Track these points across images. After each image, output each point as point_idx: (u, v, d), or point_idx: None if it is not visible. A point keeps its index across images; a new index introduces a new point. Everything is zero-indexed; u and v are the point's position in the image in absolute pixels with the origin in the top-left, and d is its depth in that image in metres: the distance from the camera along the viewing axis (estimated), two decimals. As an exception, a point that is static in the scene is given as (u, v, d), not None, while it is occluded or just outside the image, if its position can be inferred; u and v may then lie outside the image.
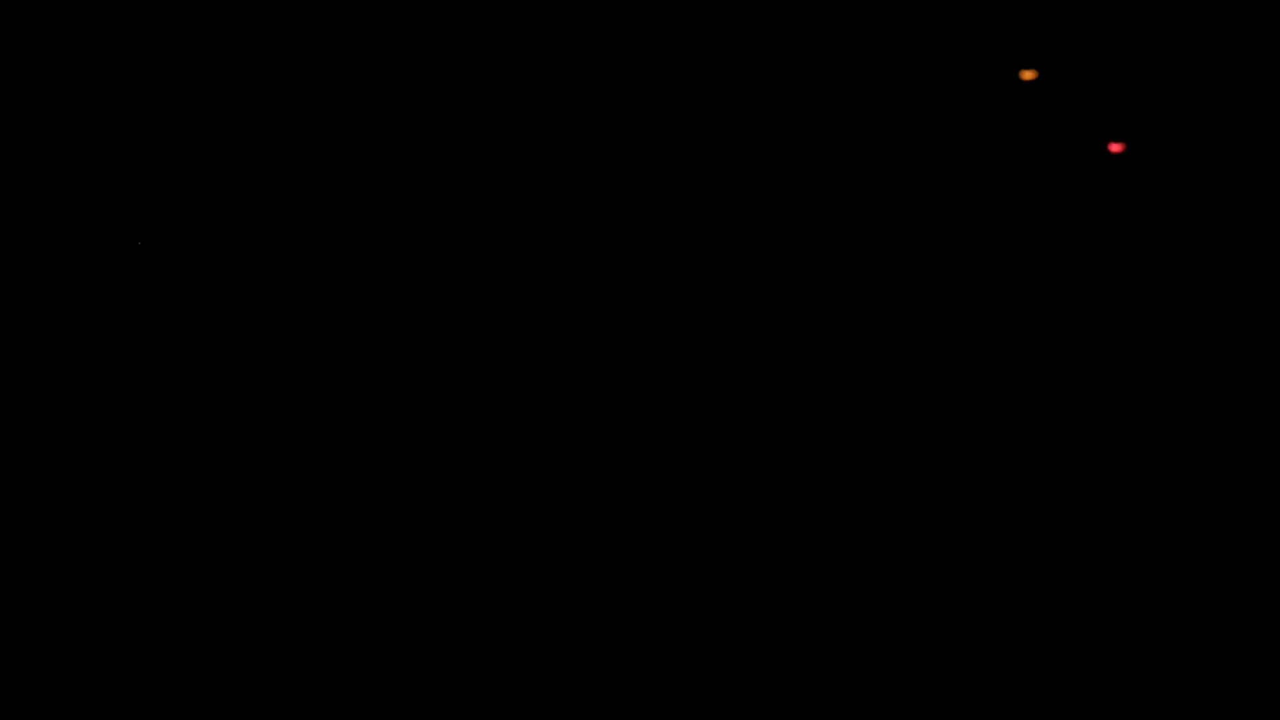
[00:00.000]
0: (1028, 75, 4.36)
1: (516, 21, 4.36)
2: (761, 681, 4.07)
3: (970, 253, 4.36)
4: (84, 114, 4.27)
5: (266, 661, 4.05)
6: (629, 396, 4.28)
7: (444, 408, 4.25)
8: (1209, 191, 4.36)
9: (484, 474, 4.22)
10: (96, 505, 4.13)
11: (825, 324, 4.33)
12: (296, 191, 4.29)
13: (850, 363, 4.31)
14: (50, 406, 4.17)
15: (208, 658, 4.04)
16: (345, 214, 4.29)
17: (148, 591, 4.09)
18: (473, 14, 4.35)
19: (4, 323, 4.19)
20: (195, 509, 4.15)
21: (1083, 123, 4.38)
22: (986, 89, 4.38)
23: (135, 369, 4.21)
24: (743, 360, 4.31)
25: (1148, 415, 4.27)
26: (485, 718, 4.03)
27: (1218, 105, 4.37)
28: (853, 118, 4.40)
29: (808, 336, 4.32)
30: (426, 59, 4.35)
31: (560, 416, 4.26)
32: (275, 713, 4.02)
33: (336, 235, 4.29)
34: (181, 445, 4.18)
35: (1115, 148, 4.34)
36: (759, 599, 4.15)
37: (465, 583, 4.15)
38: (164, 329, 4.22)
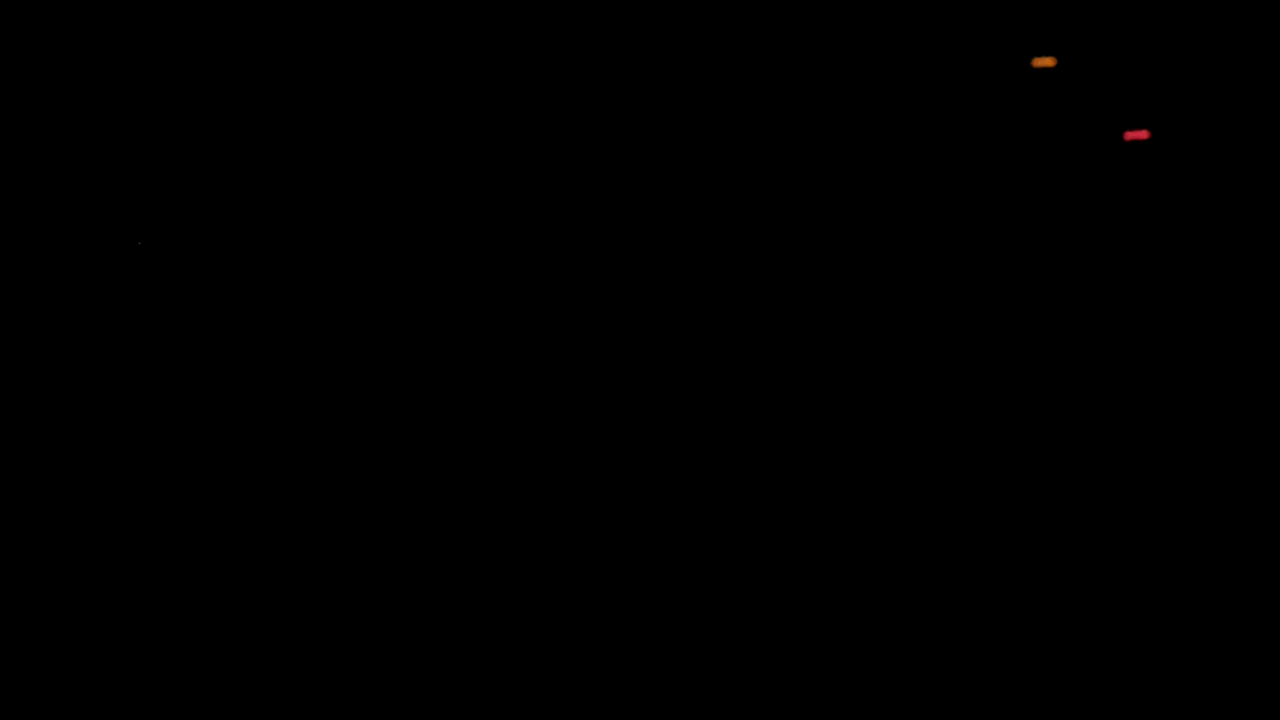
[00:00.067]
0: (1044, 62, 4.33)
1: (516, 22, 4.35)
2: (761, 681, 4.07)
3: (987, 241, 4.34)
4: (84, 114, 4.28)
5: (266, 661, 4.06)
6: (629, 396, 4.27)
7: (444, 407, 4.25)
8: (1228, 181, 4.32)
9: (484, 473, 4.22)
10: (96, 503, 4.15)
11: (840, 314, 4.31)
12: (296, 192, 4.30)
13: (866, 352, 4.29)
14: (50, 405, 4.18)
15: (208, 658, 4.06)
16: (345, 214, 4.29)
17: (147, 591, 4.10)
18: (472, 14, 4.35)
19: (4, 323, 4.20)
20: (195, 508, 4.16)
21: (1100, 110, 4.35)
22: (1002, 77, 4.35)
23: (135, 369, 4.21)
24: (751, 356, 4.30)
25: (1168, 408, 4.24)
26: (485, 718, 4.04)
27: (1233, 95, 4.33)
28: (868, 107, 4.37)
29: (822, 328, 4.30)
30: (427, 59, 4.34)
31: (560, 416, 4.26)
32: (275, 713, 4.03)
33: (336, 235, 4.29)
34: (181, 444, 4.19)
35: (1135, 135, 4.31)
36: (759, 598, 4.14)
37: (465, 582, 4.15)
38: (164, 329, 4.23)
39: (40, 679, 4.02)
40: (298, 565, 4.14)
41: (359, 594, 4.12)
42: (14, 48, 4.26)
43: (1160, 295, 4.32)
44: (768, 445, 4.26)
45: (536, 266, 4.33)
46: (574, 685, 4.06)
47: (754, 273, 4.34)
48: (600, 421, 4.26)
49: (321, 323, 4.27)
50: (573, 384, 4.28)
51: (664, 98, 4.38)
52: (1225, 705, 3.96)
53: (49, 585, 4.09)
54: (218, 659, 4.05)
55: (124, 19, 4.29)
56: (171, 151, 4.29)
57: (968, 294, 4.33)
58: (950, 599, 4.13)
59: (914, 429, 4.26)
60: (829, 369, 4.30)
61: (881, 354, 4.30)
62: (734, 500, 4.22)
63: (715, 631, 4.11)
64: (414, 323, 4.28)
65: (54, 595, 4.08)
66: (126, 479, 4.16)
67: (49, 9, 4.27)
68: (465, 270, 4.31)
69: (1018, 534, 4.19)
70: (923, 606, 4.12)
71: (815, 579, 4.16)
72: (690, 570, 4.17)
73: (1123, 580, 4.13)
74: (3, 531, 4.11)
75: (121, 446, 4.18)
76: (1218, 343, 4.28)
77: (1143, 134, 4.27)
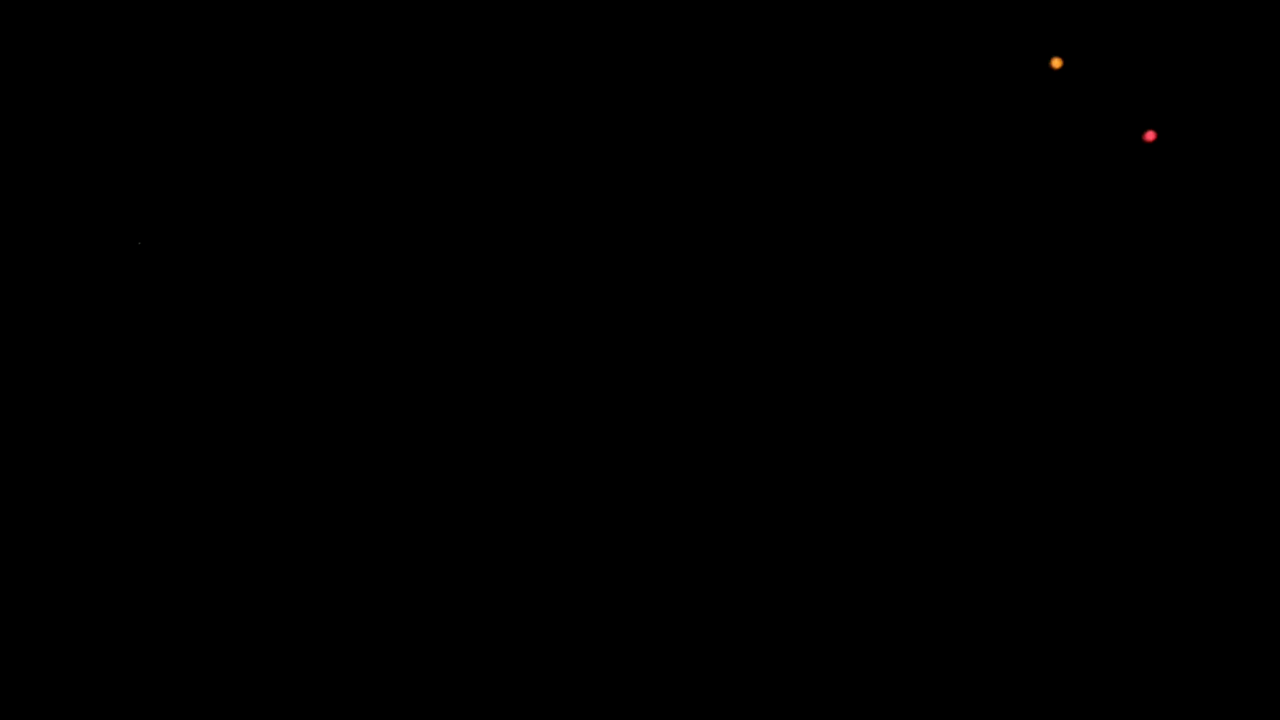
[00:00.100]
0: (1055, 63, 4.33)
1: (516, 22, 4.35)
2: (761, 681, 4.07)
3: (995, 245, 4.33)
4: (84, 114, 4.28)
5: (266, 661, 4.06)
6: (629, 396, 4.27)
7: (444, 407, 4.25)
8: (1242, 185, 4.31)
9: (483, 474, 4.22)
10: (96, 505, 4.15)
11: (845, 317, 4.31)
12: (296, 191, 4.29)
13: (872, 356, 4.29)
14: (50, 406, 4.18)
15: (207, 658, 4.05)
16: (345, 214, 4.29)
17: (147, 591, 4.10)
18: (472, 14, 4.34)
19: (4, 323, 4.20)
20: (195, 509, 4.16)
21: (1114, 112, 4.34)
22: (1013, 78, 4.35)
23: (135, 369, 4.21)
24: (758, 357, 4.30)
25: (1179, 414, 4.24)
26: (485, 718, 4.04)
27: (1250, 96, 4.32)
28: (873, 108, 4.37)
29: (827, 331, 4.30)
30: (426, 59, 4.34)
31: (560, 416, 4.26)
32: (275, 713, 4.03)
33: (337, 235, 4.29)
34: (181, 445, 4.19)
35: (1148, 136, 4.31)
36: (759, 599, 4.14)
37: (465, 582, 4.15)
38: (164, 329, 4.23)
39: (40, 679, 4.02)
40: (298, 565, 4.14)
41: (359, 594, 4.12)
42: (14, 48, 4.26)
43: (1162, 295, 4.32)
44: (768, 445, 4.25)
45: (536, 266, 4.33)
46: (574, 685, 4.06)
47: (756, 272, 4.33)
48: (600, 421, 4.26)
49: (322, 322, 4.26)
50: (573, 384, 4.28)
51: (664, 97, 4.38)
52: (1225, 705, 3.96)
53: (49, 585, 4.09)
54: (218, 659, 4.05)
55: (124, 19, 4.29)
56: (171, 151, 4.29)
57: (974, 293, 4.33)
58: (950, 599, 4.13)
59: (919, 428, 4.26)
60: (832, 368, 4.30)
61: (886, 354, 4.30)
62: (734, 500, 4.22)
63: (715, 631, 4.11)
64: (414, 323, 4.28)
65: (54, 595, 4.08)
66: (127, 479, 4.16)
67: (49, 9, 4.27)
68: (465, 270, 4.31)
69: (1018, 534, 4.19)
70: (923, 606, 4.12)
71: (815, 579, 4.16)
72: (690, 570, 4.17)
73: (1123, 580, 4.13)
74: (2, 531, 4.11)
75: (122, 446, 4.18)
76: (1219, 343, 4.28)
77: (1150, 135, 4.26)
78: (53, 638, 4.05)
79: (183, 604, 4.09)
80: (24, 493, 4.12)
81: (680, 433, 4.23)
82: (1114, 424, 4.23)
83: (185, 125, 4.29)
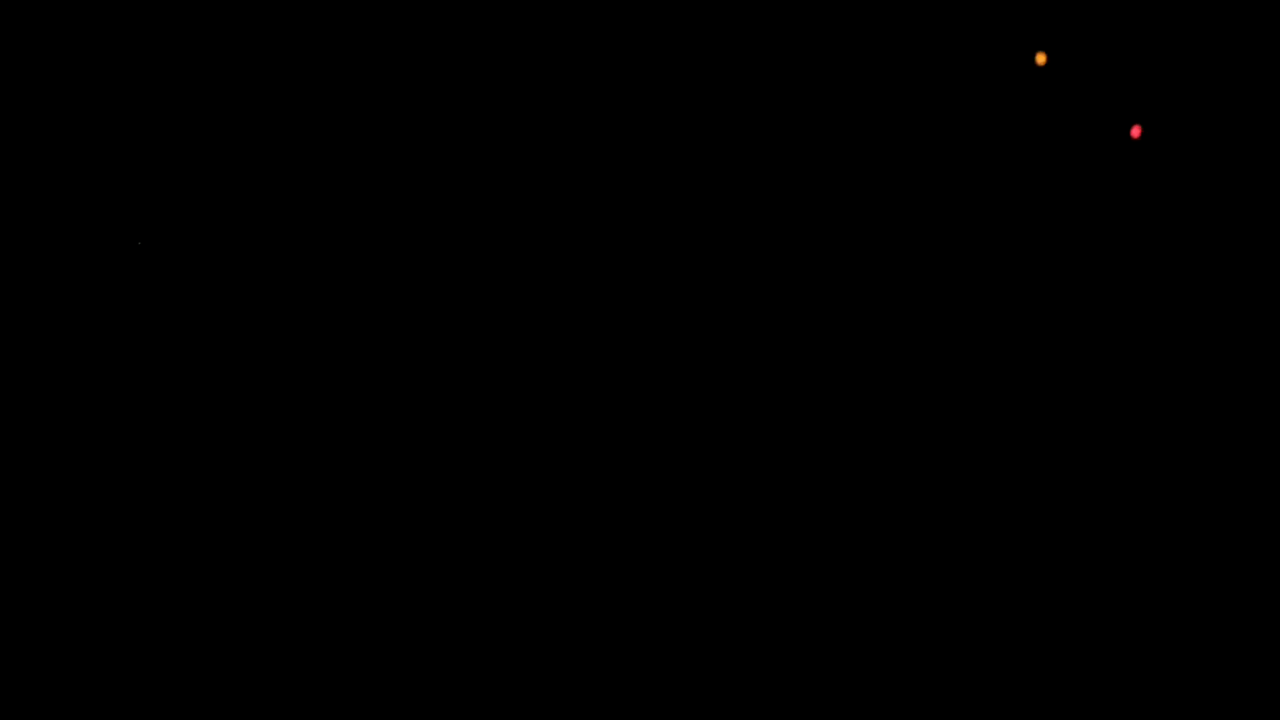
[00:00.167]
0: (1040, 59, 4.33)
1: (516, 22, 4.35)
2: (761, 681, 4.07)
3: (984, 244, 4.34)
4: (84, 114, 4.28)
5: (267, 661, 4.06)
6: (629, 396, 4.27)
7: (444, 408, 4.25)
8: (1231, 181, 4.31)
9: (483, 474, 4.22)
10: (96, 505, 4.14)
11: (835, 320, 4.31)
12: (296, 191, 4.29)
13: (863, 358, 4.29)
14: (50, 406, 4.18)
15: (207, 658, 4.05)
16: (345, 214, 4.29)
17: (147, 592, 4.10)
18: (472, 14, 4.34)
19: (4, 323, 4.20)
20: (195, 509, 4.16)
21: (1099, 108, 4.34)
22: (998, 74, 4.35)
23: (135, 369, 4.21)
24: (750, 360, 4.30)
25: (1170, 412, 4.24)
26: (485, 718, 4.04)
27: (1238, 91, 4.32)
28: (861, 106, 4.37)
29: (817, 334, 4.30)
30: (426, 59, 4.34)
31: (560, 417, 4.26)
32: (275, 713, 4.03)
33: (336, 235, 4.29)
34: (181, 445, 4.19)
35: (1135, 132, 4.31)
36: (759, 600, 4.14)
37: (465, 583, 4.15)
38: (164, 329, 4.23)
39: (40, 679, 4.02)
40: (297, 565, 4.14)
41: (359, 594, 4.12)
42: (14, 48, 4.26)
43: (1150, 290, 4.32)
44: (768, 445, 4.26)
45: (536, 266, 4.33)
46: (574, 685, 4.06)
47: (755, 272, 4.33)
48: (600, 421, 4.26)
49: (321, 322, 4.26)
50: (572, 384, 4.28)
51: (664, 97, 4.39)
52: (1225, 705, 3.96)
53: (49, 585, 4.09)
54: (218, 659, 4.05)
55: (124, 19, 4.29)
56: (171, 151, 4.29)
57: (970, 292, 4.33)
58: (950, 599, 4.13)
59: (915, 428, 4.26)
60: (830, 367, 4.30)
61: (884, 353, 4.30)
62: (734, 500, 4.22)
63: (715, 631, 4.11)
64: (414, 322, 4.28)
65: (54, 595, 4.08)
66: (126, 479, 4.16)
67: (49, 9, 4.27)
68: (465, 270, 4.31)
69: (1017, 534, 4.19)
70: (923, 606, 4.12)
71: (815, 579, 4.16)
72: (690, 570, 4.17)
73: (1123, 580, 4.13)
74: (2, 531, 4.11)
75: (121, 446, 4.18)
76: (1219, 343, 4.28)
77: (1136, 130, 4.26)
78: (53, 638, 4.05)
79: (183, 604, 4.09)
80: (24, 492, 4.12)
81: (680, 432, 4.24)
82: (1107, 419, 4.23)
83: (185, 125, 4.29)
